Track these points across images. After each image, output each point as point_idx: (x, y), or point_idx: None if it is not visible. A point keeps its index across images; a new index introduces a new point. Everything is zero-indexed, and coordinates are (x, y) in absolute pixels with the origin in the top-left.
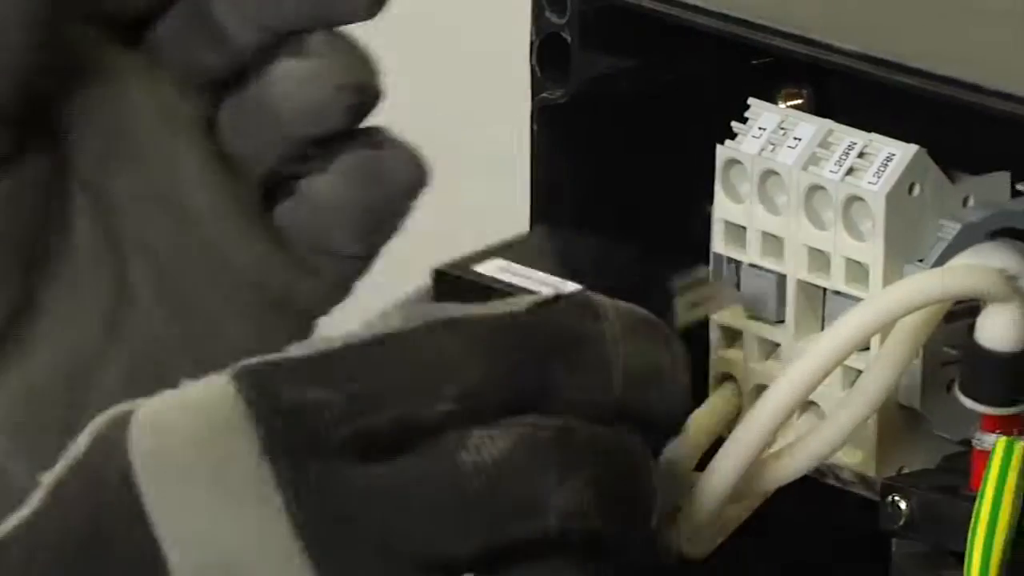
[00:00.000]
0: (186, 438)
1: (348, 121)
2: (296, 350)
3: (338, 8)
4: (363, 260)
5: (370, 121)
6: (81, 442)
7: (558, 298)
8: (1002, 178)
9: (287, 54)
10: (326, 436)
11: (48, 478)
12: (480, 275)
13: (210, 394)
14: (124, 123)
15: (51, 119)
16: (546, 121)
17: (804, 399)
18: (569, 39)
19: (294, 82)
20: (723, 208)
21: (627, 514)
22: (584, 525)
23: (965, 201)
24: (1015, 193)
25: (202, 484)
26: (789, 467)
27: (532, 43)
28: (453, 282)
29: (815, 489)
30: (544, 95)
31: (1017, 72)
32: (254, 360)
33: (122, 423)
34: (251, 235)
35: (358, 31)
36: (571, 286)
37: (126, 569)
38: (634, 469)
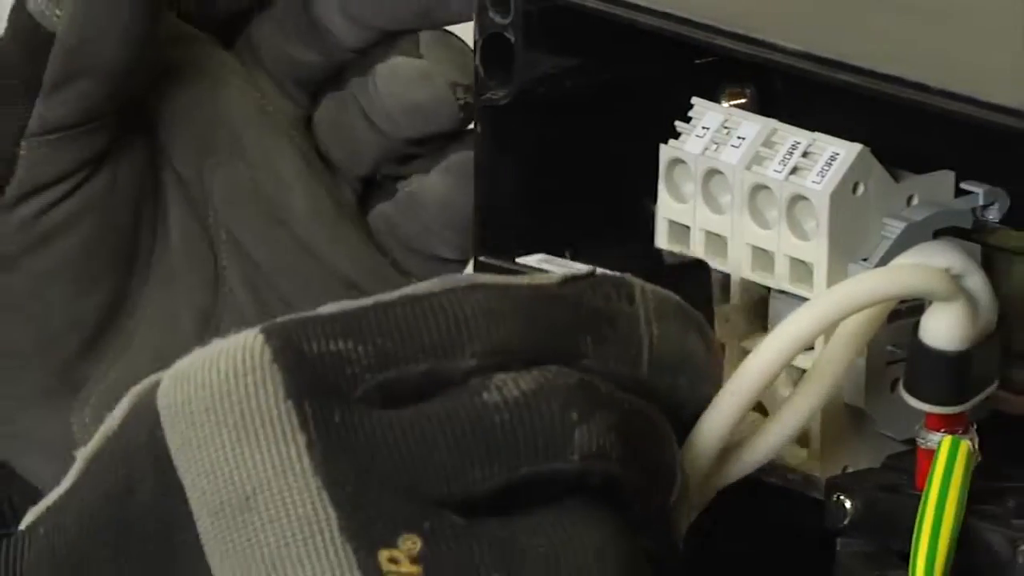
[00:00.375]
0: (210, 384)
1: (459, 122)
2: (326, 308)
3: (447, 7)
4: (457, 263)
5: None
6: (116, 413)
7: (592, 274)
8: (946, 177)
9: (397, 52)
10: (350, 384)
11: (84, 452)
12: (522, 266)
13: (236, 345)
14: (221, 121)
15: (148, 116)
16: (490, 121)
17: (753, 401)
18: (512, 39)
19: (405, 81)
20: (667, 207)
21: (648, 471)
22: (604, 468)
23: (909, 200)
24: (959, 192)
25: (224, 424)
26: (733, 468)
27: (475, 43)
28: (495, 271)
29: (759, 488)
30: (488, 95)
31: (960, 71)
32: (283, 317)
33: (153, 387)
34: (346, 236)
35: None
36: (601, 271)
37: (149, 513)
38: (657, 436)
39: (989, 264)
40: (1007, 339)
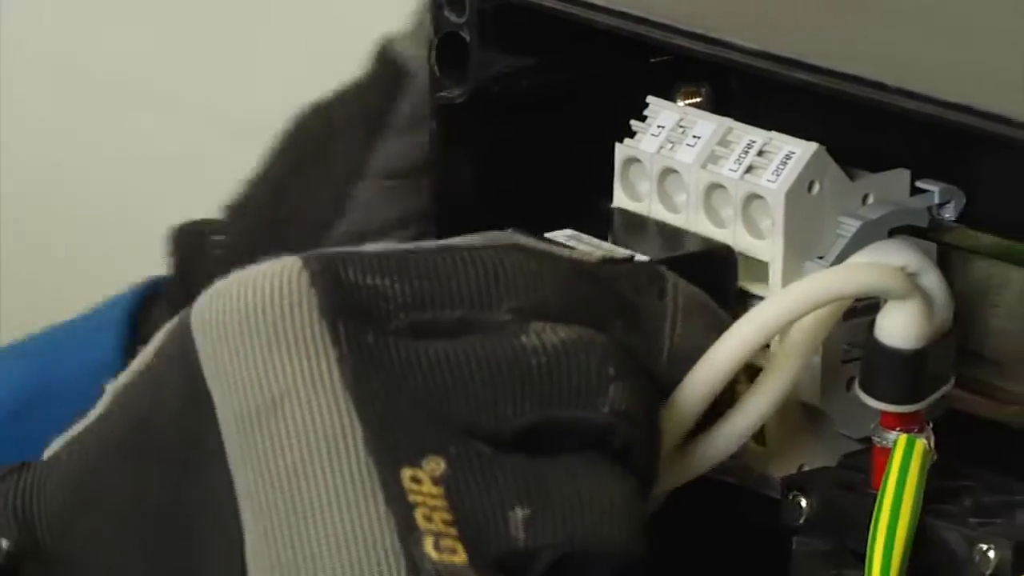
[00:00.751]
0: (245, 300)
1: None
2: (367, 248)
3: None
4: None
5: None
6: (149, 347)
7: (630, 260)
8: (901, 175)
9: None
10: (384, 317)
11: (114, 385)
12: (550, 241)
13: (274, 268)
14: None
15: None
16: (445, 120)
17: (710, 400)
18: (468, 38)
19: None
20: (623, 206)
21: (657, 451)
22: (629, 429)
23: (865, 199)
24: (914, 190)
25: (257, 336)
26: (688, 467)
27: (431, 42)
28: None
29: (715, 487)
30: (443, 94)
31: (916, 69)
32: (324, 249)
33: (187, 312)
34: None
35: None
36: (639, 258)
37: (172, 424)
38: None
39: (945, 263)
40: (963, 338)
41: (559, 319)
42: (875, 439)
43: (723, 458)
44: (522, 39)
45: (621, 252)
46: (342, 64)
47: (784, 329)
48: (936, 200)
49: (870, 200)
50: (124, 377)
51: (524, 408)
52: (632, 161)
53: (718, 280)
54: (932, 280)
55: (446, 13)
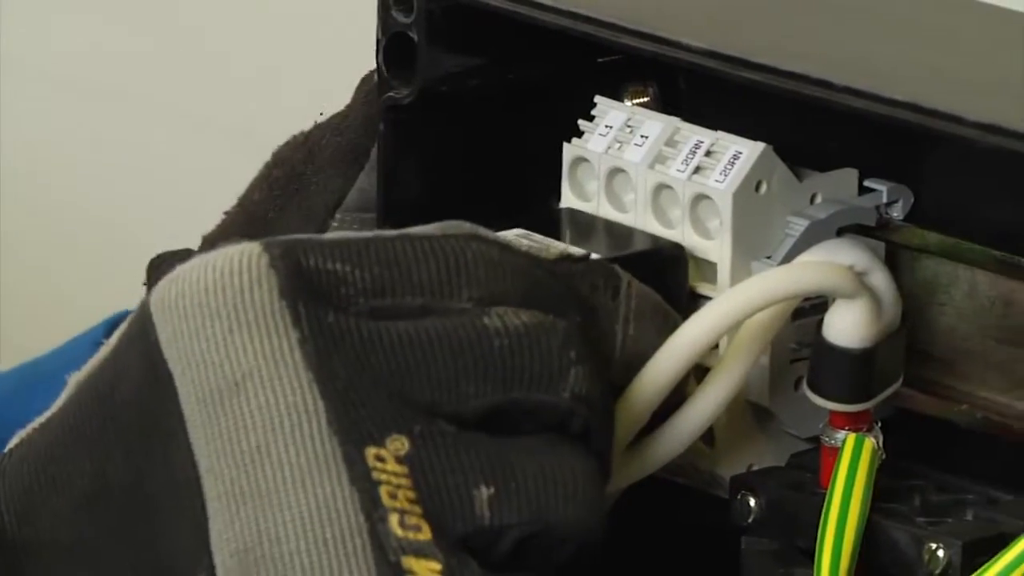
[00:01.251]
0: (204, 281)
1: None
2: (326, 235)
3: None
4: None
5: None
6: (111, 340)
7: (586, 258)
8: (849, 175)
9: None
10: (345, 300)
11: (77, 376)
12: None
13: (233, 251)
14: None
15: None
16: (393, 120)
17: (659, 400)
18: (415, 38)
19: None
20: (571, 206)
21: (611, 440)
22: (588, 414)
23: (813, 198)
24: (863, 190)
25: (217, 316)
26: (637, 467)
27: (378, 42)
28: None
29: (664, 487)
30: (391, 94)
31: (862, 68)
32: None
33: (146, 298)
34: None
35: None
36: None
37: (132, 403)
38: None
39: (893, 262)
40: (911, 337)
41: (512, 306)
42: (823, 439)
43: (672, 458)
44: (470, 39)
45: (576, 250)
46: (338, 72)
47: (733, 329)
48: (884, 199)
49: (818, 199)
50: (87, 366)
51: (486, 389)
52: (580, 161)
53: (669, 278)
54: (880, 279)
55: (394, 13)
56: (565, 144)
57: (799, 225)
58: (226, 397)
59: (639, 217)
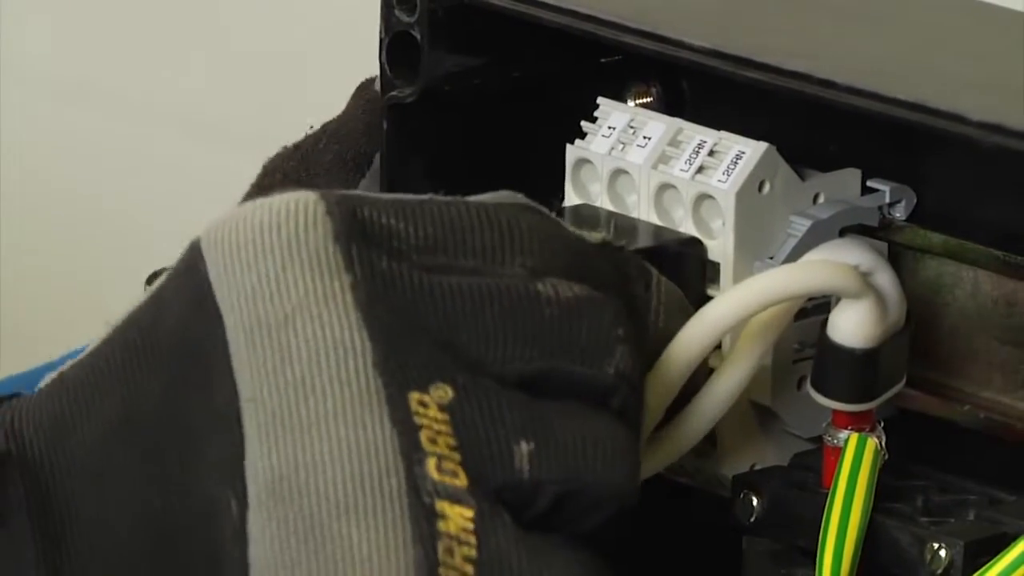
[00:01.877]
0: (259, 221)
1: None
2: (382, 195)
3: None
4: None
5: None
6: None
7: (623, 248)
8: (852, 175)
9: None
10: (398, 252)
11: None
12: None
13: (290, 196)
14: None
15: None
16: (396, 120)
17: (668, 401)
18: (418, 37)
19: None
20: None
21: (643, 417)
22: (629, 393)
23: (815, 198)
24: (865, 190)
25: (271, 253)
26: (641, 466)
27: (381, 41)
28: None
29: (667, 486)
30: (394, 94)
31: (866, 67)
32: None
33: (198, 237)
34: None
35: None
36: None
37: (174, 332)
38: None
39: (896, 262)
40: (914, 337)
41: (561, 275)
42: (826, 438)
43: (675, 458)
44: (473, 38)
45: (614, 240)
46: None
47: (737, 328)
48: (887, 199)
49: (821, 200)
50: (125, 312)
51: (532, 354)
52: (583, 162)
53: (689, 272)
54: (885, 279)
55: (397, 12)
56: (568, 146)
57: (802, 225)
58: (274, 329)
59: (642, 218)
